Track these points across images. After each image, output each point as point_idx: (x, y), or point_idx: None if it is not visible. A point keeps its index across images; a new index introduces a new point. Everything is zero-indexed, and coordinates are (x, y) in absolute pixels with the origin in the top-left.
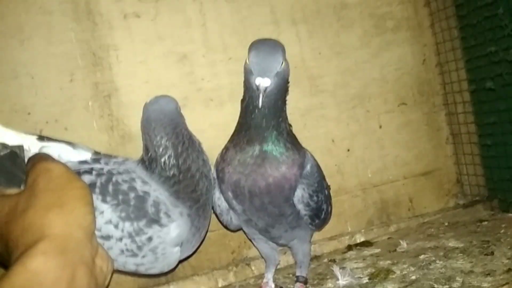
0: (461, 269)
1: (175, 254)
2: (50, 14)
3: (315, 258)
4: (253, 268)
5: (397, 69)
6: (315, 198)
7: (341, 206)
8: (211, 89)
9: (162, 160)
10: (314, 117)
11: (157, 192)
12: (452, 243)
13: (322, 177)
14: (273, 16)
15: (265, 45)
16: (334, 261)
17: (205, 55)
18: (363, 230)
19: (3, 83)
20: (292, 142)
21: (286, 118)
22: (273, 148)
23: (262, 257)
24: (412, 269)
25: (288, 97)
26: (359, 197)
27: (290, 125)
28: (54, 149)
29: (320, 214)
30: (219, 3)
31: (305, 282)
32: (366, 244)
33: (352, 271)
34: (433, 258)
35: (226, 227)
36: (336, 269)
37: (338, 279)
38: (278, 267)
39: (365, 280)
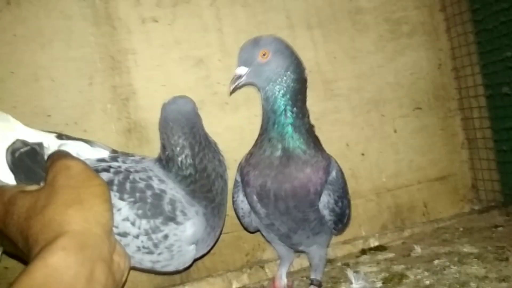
0: (476, 274)
1: (191, 252)
2: (70, 19)
3: (329, 261)
4: (266, 270)
5: (412, 73)
6: (340, 203)
7: (355, 210)
8: (227, 93)
9: (179, 159)
10: (328, 121)
11: (173, 190)
12: (466, 249)
13: (345, 183)
14: (288, 21)
15: (253, 38)
16: (347, 265)
17: (221, 59)
18: (377, 235)
19: (25, 86)
20: (314, 141)
21: (305, 116)
22: (294, 143)
23: (277, 256)
24: (426, 274)
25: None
26: (373, 201)
27: (312, 125)
28: (73, 147)
29: (343, 219)
30: (235, 8)
31: (319, 285)
32: (380, 248)
33: (366, 275)
34: (448, 263)
35: (245, 228)
36: (350, 273)
37: (351, 283)
38: (292, 269)
39: (379, 284)
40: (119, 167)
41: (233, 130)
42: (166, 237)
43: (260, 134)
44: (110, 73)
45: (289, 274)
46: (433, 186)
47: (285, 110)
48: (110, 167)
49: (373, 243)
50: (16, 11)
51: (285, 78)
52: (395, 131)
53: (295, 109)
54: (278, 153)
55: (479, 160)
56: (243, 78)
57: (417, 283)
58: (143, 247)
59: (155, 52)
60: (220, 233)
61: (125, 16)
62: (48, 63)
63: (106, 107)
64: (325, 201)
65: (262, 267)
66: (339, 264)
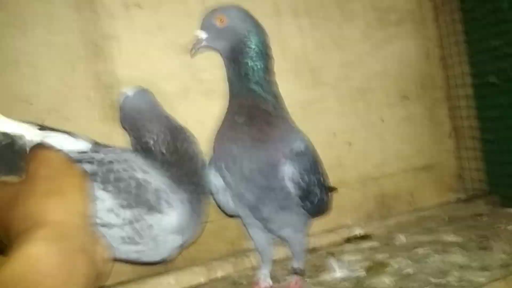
0: (458, 263)
1: (176, 241)
2: (52, 4)
3: (313, 250)
4: (251, 259)
5: (400, 62)
6: (306, 178)
7: (341, 199)
8: (213, 81)
9: (163, 146)
10: (315, 110)
11: (157, 180)
12: (450, 238)
13: (317, 161)
14: (275, 8)
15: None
16: (332, 253)
17: None
18: (362, 223)
19: (5, 73)
20: (282, 109)
21: (272, 83)
22: (260, 104)
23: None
24: (409, 262)
25: (288, 87)
26: (359, 190)
27: (279, 96)
28: (55, 139)
29: (311, 198)
30: None
31: (302, 274)
32: (365, 237)
33: (349, 264)
34: (431, 252)
35: (222, 210)
36: (333, 261)
37: (334, 271)
38: (275, 258)
39: (362, 272)
40: (102, 158)
41: (219, 118)
42: (150, 226)
43: (229, 101)
44: (93, 60)
45: (273, 264)
46: (419, 175)
47: (247, 74)
48: (93, 158)
49: (358, 231)
50: None
51: (245, 43)
52: (382, 120)
53: (260, 73)
54: (243, 116)
55: (465, 150)
56: (203, 42)
57: (399, 272)
58: (128, 237)
59: (139, 38)
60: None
61: (108, 1)
62: (29, 49)
63: (89, 95)
64: (289, 172)
65: (247, 256)
66: (323, 252)
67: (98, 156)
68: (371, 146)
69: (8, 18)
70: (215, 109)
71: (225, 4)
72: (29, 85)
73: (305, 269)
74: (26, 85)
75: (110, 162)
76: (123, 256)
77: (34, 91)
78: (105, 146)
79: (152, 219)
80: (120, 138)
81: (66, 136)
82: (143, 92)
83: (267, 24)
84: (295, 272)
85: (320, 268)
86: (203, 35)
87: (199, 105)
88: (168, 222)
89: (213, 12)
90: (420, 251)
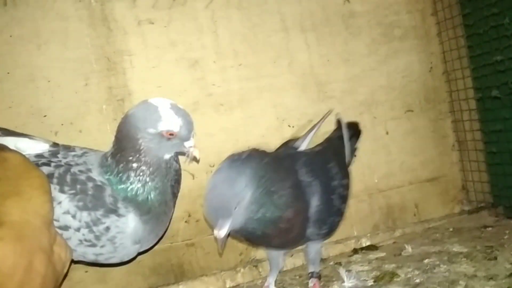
0: (465, 273)
1: (134, 244)
2: (67, 20)
3: (321, 260)
4: (260, 270)
5: (404, 76)
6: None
7: (347, 211)
8: (221, 94)
9: (139, 173)
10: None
11: None
12: (456, 248)
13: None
14: (282, 24)
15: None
16: (340, 264)
17: (216, 61)
18: (369, 235)
19: (21, 86)
20: None
21: None
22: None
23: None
24: (417, 272)
25: (295, 101)
26: (365, 202)
27: None
28: (11, 141)
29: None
30: (231, 11)
31: (319, 277)
32: (372, 248)
33: (358, 274)
34: (437, 262)
35: None
36: (342, 271)
37: (343, 281)
38: (285, 269)
39: (370, 282)
40: (60, 161)
41: (228, 132)
42: (107, 229)
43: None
44: (106, 74)
45: (282, 274)
46: (424, 187)
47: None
48: (50, 161)
49: (365, 242)
50: (12, 12)
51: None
52: (387, 133)
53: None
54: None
55: (469, 162)
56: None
57: (407, 282)
58: (85, 240)
59: (151, 53)
60: (169, 224)
61: (121, 18)
62: (44, 64)
63: (101, 108)
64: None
65: (256, 267)
66: (331, 263)
67: (56, 158)
68: (377, 158)
69: (24, 34)
70: (223, 122)
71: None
72: (43, 98)
73: (321, 273)
74: (41, 98)
75: (68, 164)
76: (81, 258)
77: (48, 104)
78: (66, 147)
79: (109, 221)
80: None
81: (23, 138)
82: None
83: (274, 40)
84: (313, 276)
85: (329, 278)
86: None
87: (208, 118)
88: (125, 223)
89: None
90: (427, 261)
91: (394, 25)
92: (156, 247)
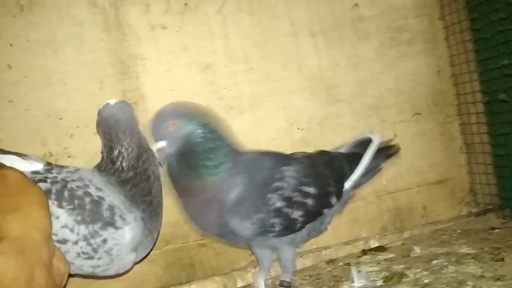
0: (472, 274)
1: (130, 256)
2: (82, 25)
3: (330, 261)
4: (270, 269)
5: (412, 80)
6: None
7: (356, 212)
8: (232, 98)
9: (126, 161)
10: (331, 126)
11: (111, 197)
12: (464, 249)
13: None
14: (292, 28)
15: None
16: (349, 264)
17: (227, 65)
18: (377, 236)
19: (37, 90)
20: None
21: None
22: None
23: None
24: (425, 273)
25: (305, 104)
26: (373, 203)
27: None
28: (6, 160)
29: (274, 228)
30: (241, 15)
31: (288, 286)
32: (380, 249)
33: (367, 274)
34: (445, 263)
35: None
36: (353, 271)
37: (353, 282)
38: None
39: (380, 283)
40: (55, 177)
41: (238, 134)
42: (104, 241)
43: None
44: (120, 77)
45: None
46: (432, 189)
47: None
48: (46, 178)
49: (374, 244)
50: (29, 17)
51: (194, 141)
52: (395, 136)
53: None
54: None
55: (477, 165)
56: (167, 150)
57: (416, 282)
58: (83, 252)
59: (164, 58)
60: (158, 235)
61: (135, 23)
62: (60, 68)
63: None
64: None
65: None
66: (340, 264)
67: (51, 174)
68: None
69: (41, 39)
70: (234, 125)
71: (167, 107)
72: (59, 101)
73: (291, 283)
74: (56, 101)
75: (64, 180)
76: (78, 271)
77: (64, 107)
78: (59, 166)
79: (106, 233)
80: None
81: (16, 157)
82: (124, 104)
83: (284, 44)
84: (282, 285)
85: (338, 279)
86: (163, 144)
87: None
88: (122, 236)
89: (163, 119)
90: (435, 262)
91: (402, 29)
92: (168, 247)
